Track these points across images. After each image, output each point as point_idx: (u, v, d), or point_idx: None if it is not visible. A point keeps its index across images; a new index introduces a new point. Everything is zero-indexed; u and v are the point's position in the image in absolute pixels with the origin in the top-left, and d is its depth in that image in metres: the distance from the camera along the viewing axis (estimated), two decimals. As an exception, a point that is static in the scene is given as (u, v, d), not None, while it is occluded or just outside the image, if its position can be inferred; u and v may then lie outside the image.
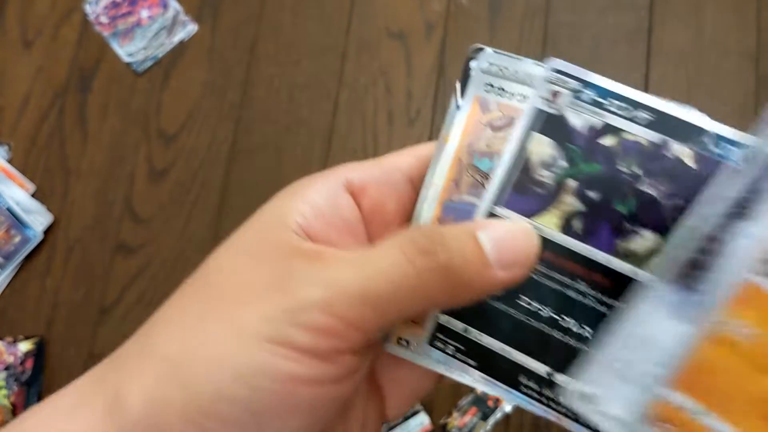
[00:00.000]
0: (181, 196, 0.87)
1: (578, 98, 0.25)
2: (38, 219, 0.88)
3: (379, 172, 0.26)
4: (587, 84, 0.25)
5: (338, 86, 0.87)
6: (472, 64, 0.26)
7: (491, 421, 0.73)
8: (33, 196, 0.89)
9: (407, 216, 0.26)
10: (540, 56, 0.85)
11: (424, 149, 0.27)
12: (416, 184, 0.27)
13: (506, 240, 0.23)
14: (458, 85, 0.26)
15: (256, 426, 0.21)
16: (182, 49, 0.93)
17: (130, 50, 0.93)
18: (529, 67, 0.26)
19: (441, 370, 0.26)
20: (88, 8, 0.95)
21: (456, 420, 0.73)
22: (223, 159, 0.88)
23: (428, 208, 0.26)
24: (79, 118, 0.92)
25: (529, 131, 0.25)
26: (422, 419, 0.73)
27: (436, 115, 0.86)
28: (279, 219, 0.24)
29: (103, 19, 0.95)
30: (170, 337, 0.22)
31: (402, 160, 0.27)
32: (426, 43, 0.88)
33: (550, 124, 0.25)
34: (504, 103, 0.25)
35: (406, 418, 0.73)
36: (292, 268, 0.23)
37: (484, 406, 0.73)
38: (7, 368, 0.83)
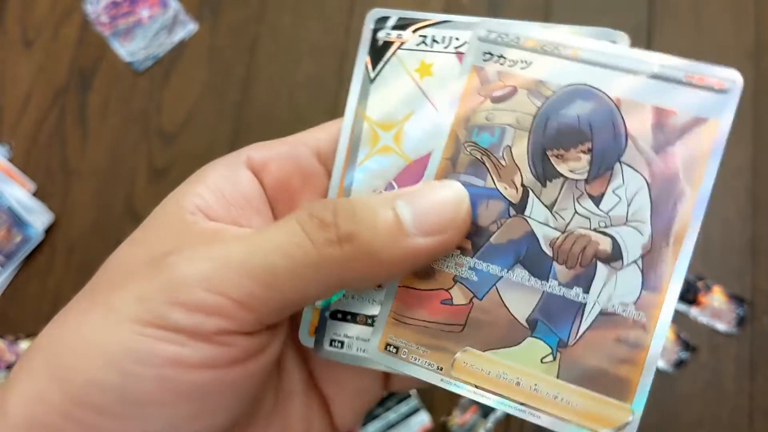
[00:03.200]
0: (182, 196, 0.87)
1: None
2: (39, 218, 0.88)
3: (284, 149, 0.24)
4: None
5: (338, 85, 0.88)
6: (380, 33, 0.24)
7: (491, 418, 0.73)
8: (34, 195, 0.89)
9: (315, 191, 0.24)
10: (540, 55, 0.86)
11: (334, 125, 0.25)
12: (324, 159, 0.25)
13: (428, 201, 0.21)
14: (367, 58, 0.24)
15: (139, 416, 0.19)
16: (182, 49, 0.93)
17: (130, 50, 0.93)
18: (533, 31, 0.23)
19: (383, 367, 0.23)
20: (89, 8, 0.95)
21: (456, 418, 0.73)
22: (223, 158, 0.88)
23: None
24: (80, 117, 0.92)
25: None
26: (422, 417, 0.73)
27: (436, 114, 0.87)
28: (176, 203, 0.23)
29: (104, 19, 0.95)
30: (48, 331, 0.21)
31: (309, 136, 0.25)
32: (426, 43, 0.89)
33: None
34: (504, 71, 0.23)
35: (407, 416, 0.73)
36: (178, 248, 0.20)
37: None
38: (8, 367, 0.83)
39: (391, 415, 0.73)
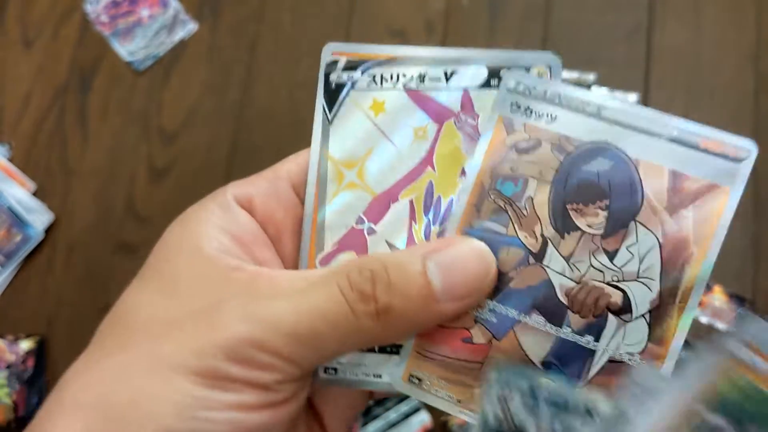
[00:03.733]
0: (182, 195, 0.87)
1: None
2: (39, 218, 0.88)
3: (263, 184, 0.26)
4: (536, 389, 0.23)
5: (338, 85, 0.88)
6: (332, 76, 0.26)
7: (491, 419, 0.73)
8: (34, 195, 0.89)
9: (296, 221, 0.26)
10: (540, 55, 0.85)
11: (304, 155, 0.26)
12: (298, 189, 0.26)
13: (457, 268, 0.23)
14: (323, 100, 0.26)
15: None
16: (183, 48, 0.93)
17: (130, 49, 0.93)
18: (561, 87, 0.24)
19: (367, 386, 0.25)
20: (89, 8, 0.95)
21: (456, 418, 0.73)
22: (223, 157, 0.88)
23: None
24: (80, 117, 0.92)
25: None
26: (423, 417, 0.73)
27: (436, 113, 0.87)
28: (196, 248, 0.23)
29: (104, 19, 0.95)
30: (92, 383, 0.21)
31: (283, 169, 0.26)
32: (426, 42, 0.88)
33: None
34: (530, 124, 0.24)
35: (407, 416, 0.73)
36: (219, 299, 0.22)
37: (484, 404, 0.73)
38: (8, 367, 0.83)
39: (392, 415, 0.73)
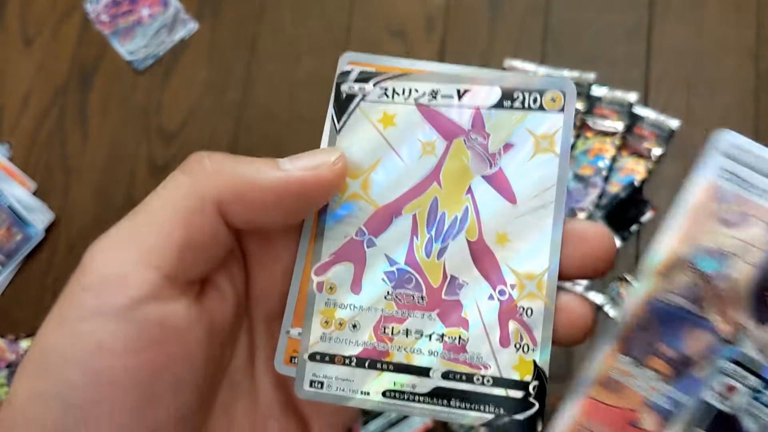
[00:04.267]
0: (182, 194, 0.87)
1: (758, 399, 0.21)
2: (39, 217, 0.88)
3: None
4: None
5: (339, 84, 0.88)
6: (343, 87, 0.26)
7: (492, 417, 0.73)
8: (34, 194, 0.89)
9: (296, 230, 0.26)
10: (540, 53, 0.86)
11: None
12: None
13: (304, 153, 0.23)
14: (332, 110, 0.26)
15: (84, 422, 0.19)
16: (183, 47, 0.93)
17: (130, 48, 0.93)
18: None
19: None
20: (89, 7, 0.95)
21: (457, 417, 0.73)
22: (223, 157, 0.88)
23: (632, 302, 0.23)
24: (80, 116, 0.92)
25: (691, 427, 0.21)
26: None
27: (436, 112, 0.87)
28: None
29: (104, 18, 0.95)
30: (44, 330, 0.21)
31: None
32: (426, 41, 0.88)
33: (718, 424, 0.21)
34: (743, 196, 0.22)
35: (408, 416, 0.73)
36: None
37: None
38: (8, 366, 0.83)
39: (393, 413, 0.73)
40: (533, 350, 0.23)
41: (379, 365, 0.24)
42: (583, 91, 0.83)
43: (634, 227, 0.78)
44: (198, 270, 0.22)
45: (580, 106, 0.82)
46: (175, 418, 0.21)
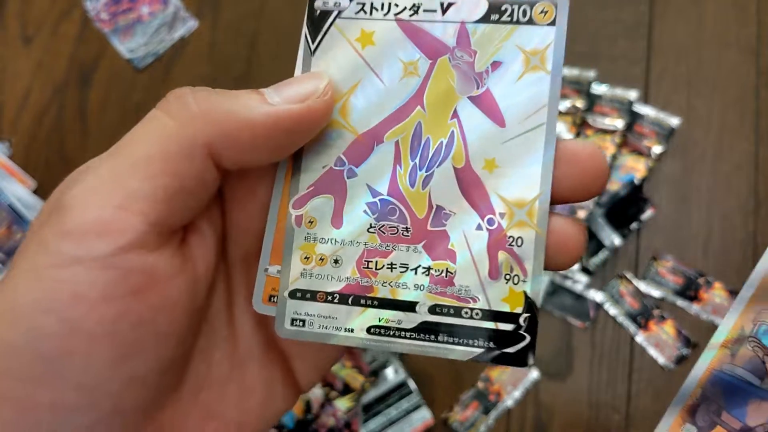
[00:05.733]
0: (182, 192, 0.87)
1: None
2: (39, 215, 0.88)
3: None
4: None
5: (339, 82, 0.87)
6: (317, 2, 0.24)
7: (493, 415, 0.73)
8: (34, 192, 0.89)
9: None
10: (540, 51, 0.85)
11: None
12: None
13: (291, 82, 0.22)
14: (306, 30, 0.24)
15: (57, 374, 0.18)
16: (183, 45, 0.93)
17: (130, 46, 0.93)
18: None
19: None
20: (89, 4, 0.95)
21: (457, 414, 0.73)
22: (223, 155, 0.88)
23: (693, 377, 0.22)
24: (80, 113, 0.92)
25: None
26: (424, 413, 0.73)
27: (436, 110, 0.87)
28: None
29: (104, 16, 0.95)
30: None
31: None
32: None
33: None
34: None
35: (408, 412, 0.73)
36: (65, 188, 0.21)
37: (485, 400, 0.74)
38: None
39: (393, 412, 0.73)
40: (523, 281, 0.22)
41: (363, 301, 0.23)
42: (582, 89, 0.83)
43: (634, 225, 0.78)
44: (184, 216, 0.21)
45: (580, 104, 0.82)
46: (153, 371, 0.20)
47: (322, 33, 0.24)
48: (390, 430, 0.73)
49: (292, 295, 0.23)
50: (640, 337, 0.74)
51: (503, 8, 0.23)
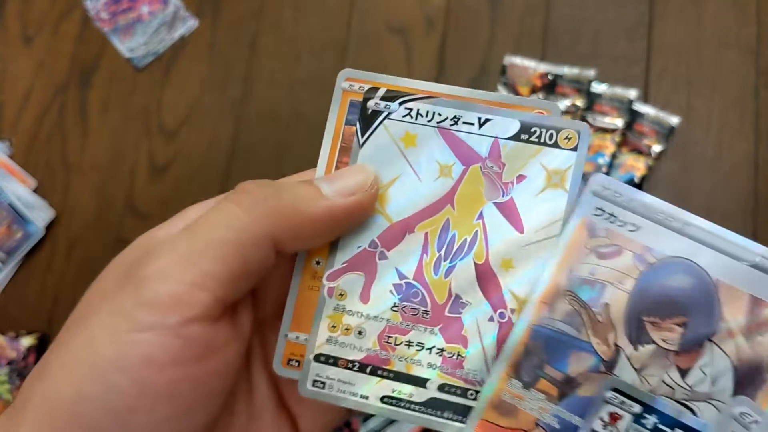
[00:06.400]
0: (182, 192, 0.87)
1: (639, 423, 0.23)
2: (40, 214, 0.88)
3: None
4: (651, 409, 0.23)
5: (339, 81, 0.87)
6: (370, 103, 0.26)
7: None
8: (34, 191, 0.90)
9: None
10: (540, 50, 0.85)
11: (310, 174, 0.27)
12: None
13: (341, 175, 0.24)
14: (358, 125, 0.26)
15: (123, 427, 0.20)
16: (183, 45, 0.93)
17: (130, 46, 0.93)
18: (646, 197, 0.24)
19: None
20: (89, 4, 0.95)
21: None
22: (223, 154, 0.88)
23: (518, 331, 0.25)
24: (80, 113, 0.92)
25: None
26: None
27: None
28: (147, 233, 0.25)
29: (104, 15, 0.95)
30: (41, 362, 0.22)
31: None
32: (426, 38, 0.88)
33: None
34: (613, 230, 0.24)
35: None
36: (141, 257, 0.22)
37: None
38: (9, 363, 0.84)
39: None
40: None
41: (380, 372, 0.25)
42: (583, 88, 0.83)
43: (634, 224, 0.78)
44: (244, 293, 0.23)
45: (580, 102, 0.82)
46: (201, 426, 0.22)
47: (371, 129, 0.26)
48: (389, 429, 0.73)
49: (317, 358, 0.26)
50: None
51: (532, 130, 0.25)
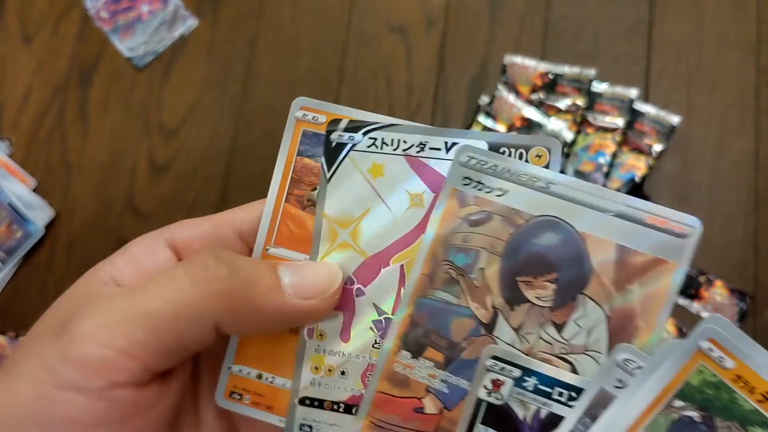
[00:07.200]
0: (182, 191, 0.87)
1: (521, 386, 0.23)
2: (39, 214, 0.88)
3: (207, 227, 0.26)
4: (530, 372, 0.23)
5: (339, 81, 0.87)
6: (333, 135, 0.26)
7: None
8: (34, 191, 0.89)
9: None
10: (540, 49, 0.85)
11: (258, 205, 0.26)
12: (246, 238, 0.26)
13: (307, 274, 0.23)
14: (323, 159, 0.26)
15: None
16: (183, 44, 0.93)
17: (130, 45, 0.93)
18: (510, 162, 0.24)
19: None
20: (88, 3, 0.95)
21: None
22: (224, 153, 0.88)
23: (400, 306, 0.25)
24: (80, 112, 0.92)
25: (475, 423, 0.24)
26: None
27: (436, 108, 0.86)
28: (92, 274, 0.24)
29: (104, 14, 0.95)
30: None
31: (234, 216, 0.26)
32: (426, 38, 0.88)
33: (494, 416, 0.23)
34: (481, 197, 0.24)
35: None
36: (78, 310, 0.21)
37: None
38: (9, 363, 0.84)
39: None
40: None
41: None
42: (583, 87, 0.83)
43: (634, 223, 0.78)
44: (177, 362, 0.23)
45: (580, 102, 0.82)
46: None
47: (336, 163, 0.26)
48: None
49: (302, 402, 0.25)
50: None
51: (501, 150, 0.25)
